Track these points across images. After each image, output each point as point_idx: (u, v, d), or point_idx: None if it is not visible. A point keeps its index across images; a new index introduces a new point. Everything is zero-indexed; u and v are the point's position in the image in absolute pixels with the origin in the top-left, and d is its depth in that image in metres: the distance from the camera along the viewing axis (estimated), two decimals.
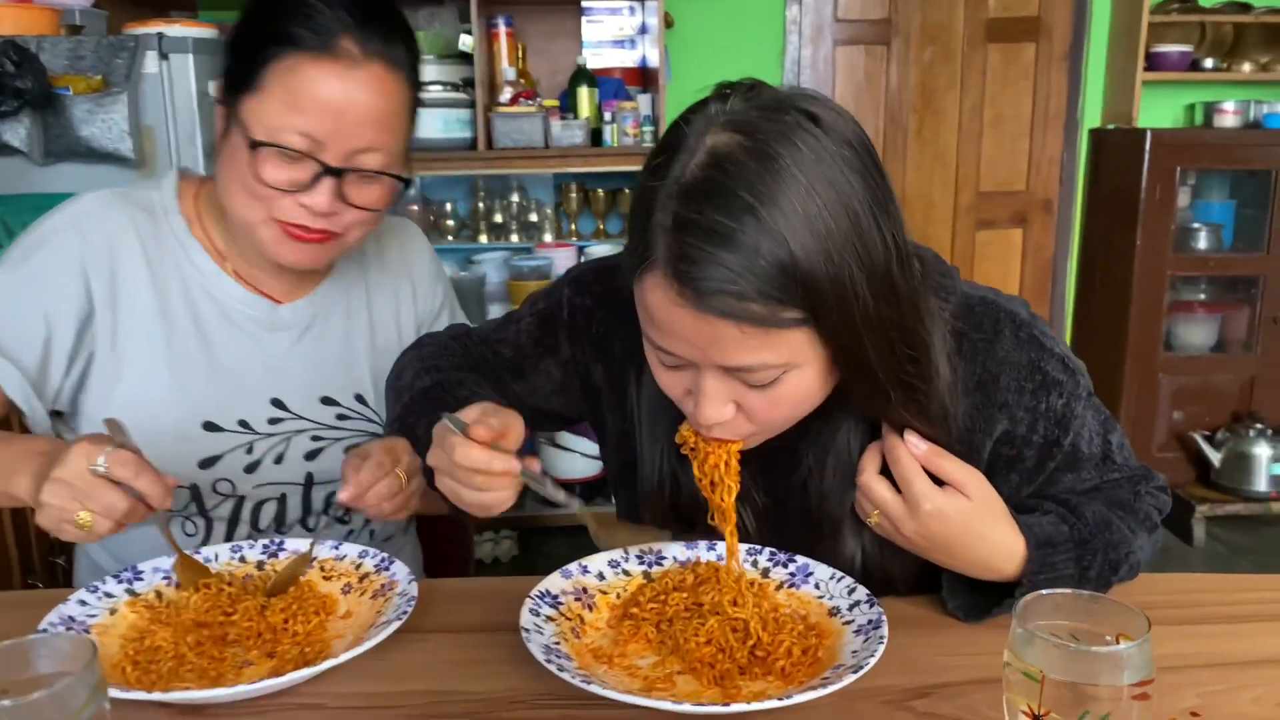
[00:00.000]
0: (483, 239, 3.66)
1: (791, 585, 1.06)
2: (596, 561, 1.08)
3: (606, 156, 3.42)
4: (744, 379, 0.89)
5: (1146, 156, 3.72)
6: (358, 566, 1.11)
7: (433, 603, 1.10)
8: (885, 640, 0.91)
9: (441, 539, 1.65)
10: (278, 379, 1.31)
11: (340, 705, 0.92)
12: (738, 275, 0.80)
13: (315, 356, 1.34)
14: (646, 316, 0.91)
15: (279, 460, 1.32)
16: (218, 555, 1.13)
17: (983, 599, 1.04)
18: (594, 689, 0.83)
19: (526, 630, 0.92)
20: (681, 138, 0.85)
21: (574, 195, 3.67)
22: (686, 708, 0.82)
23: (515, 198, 3.67)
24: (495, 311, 3.65)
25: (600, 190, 3.65)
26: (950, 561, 1.02)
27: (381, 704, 0.92)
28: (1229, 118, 3.85)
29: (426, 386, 1.15)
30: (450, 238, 3.66)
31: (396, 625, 0.96)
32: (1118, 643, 0.73)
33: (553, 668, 0.86)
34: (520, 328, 1.21)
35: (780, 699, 0.82)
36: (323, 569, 1.12)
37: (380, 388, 1.35)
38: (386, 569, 1.09)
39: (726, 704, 0.83)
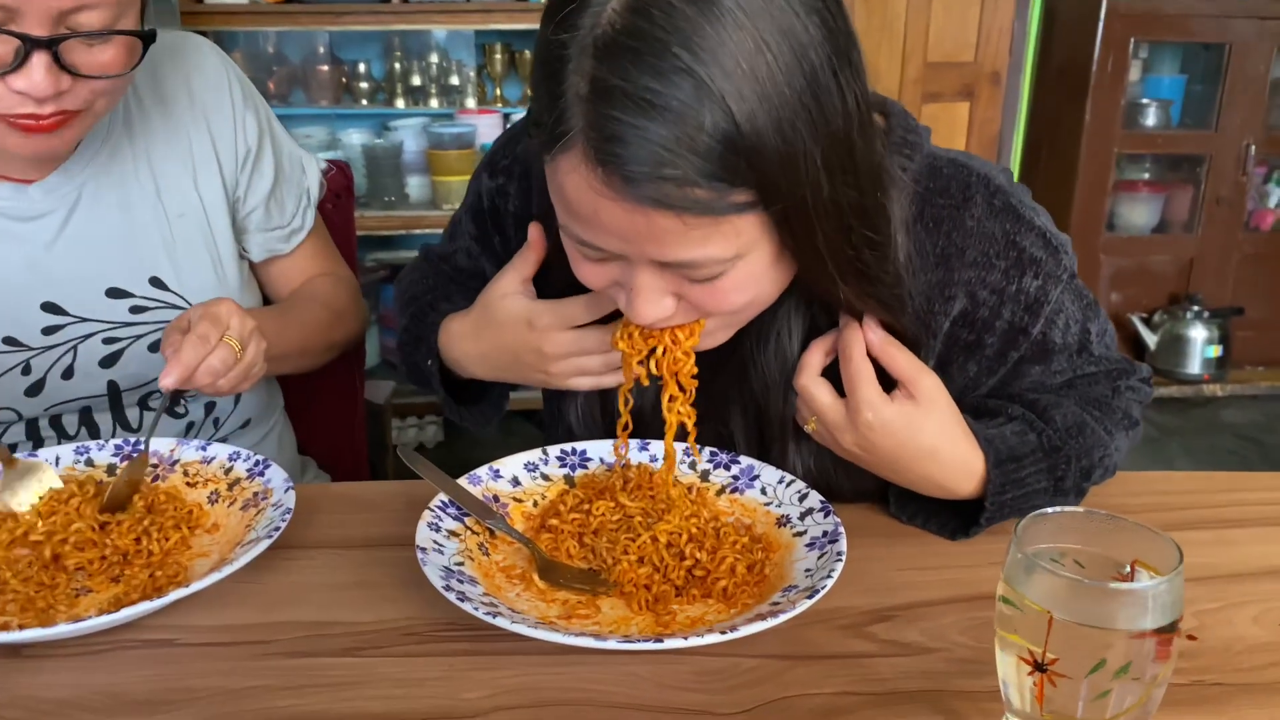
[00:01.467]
0: (399, 103, 3.38)
1: (735, 490, 0.92)
2: (510, 464, 0.93)
3: (535, 14, 3.15)
4: (685, 273, 0.74)
5: (1101, 26, 3.55)
6: (227, 471, 0.95)
7: (316, 511, 0.94)
8: (844, 558, 0.78)
9: (335, 420, 1.48)
10: (45, 278, 1.06)
11: (194, 641, 0.77)
12: (676, 154, 0.64)
13: (90, 241, 1.08)
14: (562, 203, 0.74)
15: (68, 374, 1.09)
16: (59, 458, 0.96)
17: (948, 515, 0.91)
18: (500, 623, 0.69)
19: (422, 549, 0.77)
20: None
21: (499, 56, 3.39)
22: (612, 644, 0.68)
23: (434, 58, 3.38)
24: (413, 185, 3.41)
25: (528, 52, 3.38)
26: (897, 479, 0.89)
27: (244, 639, 0.77)
28: None
29: (404, 324, 1.08)
30: (363, 101, 3.38)
31: (266, 545, 0.80)
32: (1132, 572, 0.60)
33: (452, 596, 0.71)
34: (463, 229, 1.09)
35: (723, 632, 0.68)
36: (187, 474, 0.95)
37: (184, 262, 1.13)
38: (260, 474, 0.92)
39: (659, 637, 0.69)
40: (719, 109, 0.63)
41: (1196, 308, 3.77)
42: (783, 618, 0.70)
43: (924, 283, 0.88)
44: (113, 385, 1.11)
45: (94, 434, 1.14)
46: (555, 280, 0.91)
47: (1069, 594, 0.57)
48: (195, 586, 0.75)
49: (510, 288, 0.94)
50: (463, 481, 0.88)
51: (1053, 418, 0.90)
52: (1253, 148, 3.72)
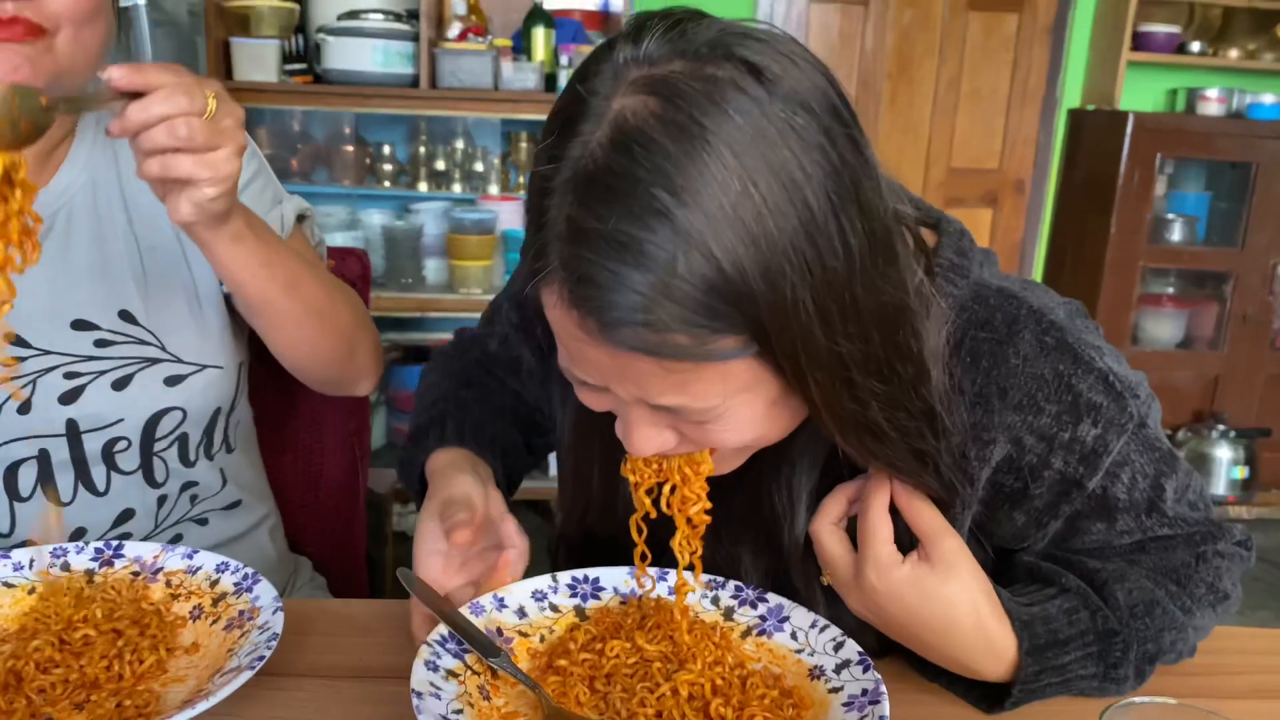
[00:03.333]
0: (422, 186, 3.38)
1: (762, 633, 0.84)
2: (517, 593, 0.85)
3: None
4: (676, 415, 0.68)
5: (1127, 141, 3.55)
6: (213, 583, 0.87)
7: (307, 632, 0.87)
8: None
9: (334, 508, 1.40)
10: (13, 309, 0.95)
11: None
12: (652, 300, 0.59)
13: (59, 270, 1.02)
14: (554, 333, 0.69)
15: (24, 409, 1.01)
16: (31, 562, 0.88)
17: (973, 683, 0.82)
18: None
19: (418, 694, 0.69)
20: (579, 101, 0.63)
21: (524, 145, 3.39)
22: None
23: (460, 144, 3.39)
24: (431, 267, 3.38)
25: None
26: (916, 649, 0.81)
27: None
28: (1212, 105, 3.69)
29: (421, 424, 1.02)
30: (386, 183, 3.38)
31: (248, 676, 0.72)
32: None
33: None
34: (503, 315, 1.04)
35: None
36: (170, 584, 0.88)
37: (155, 296, 1.07)
38: (249, 590, 0.85)
39: None
40: (698, 254, 0.58)
41: (1222, 427, 3.69)
42: None
43: (958, 424, 0.78)
44: (72, 425, 1.02)
45: (47, 478, 1.04)
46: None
47: None
48: None
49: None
50: (465, 611, 0.80)
51: (1114, 595, 0.80)
52: (1279, 267, 3.68)
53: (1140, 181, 3.60)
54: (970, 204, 4.06)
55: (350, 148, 3.35)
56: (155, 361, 1.05)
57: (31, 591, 0.86)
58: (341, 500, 1.43)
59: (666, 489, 0.76)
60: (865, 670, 0.77)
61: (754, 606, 0.86)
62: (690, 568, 0.80)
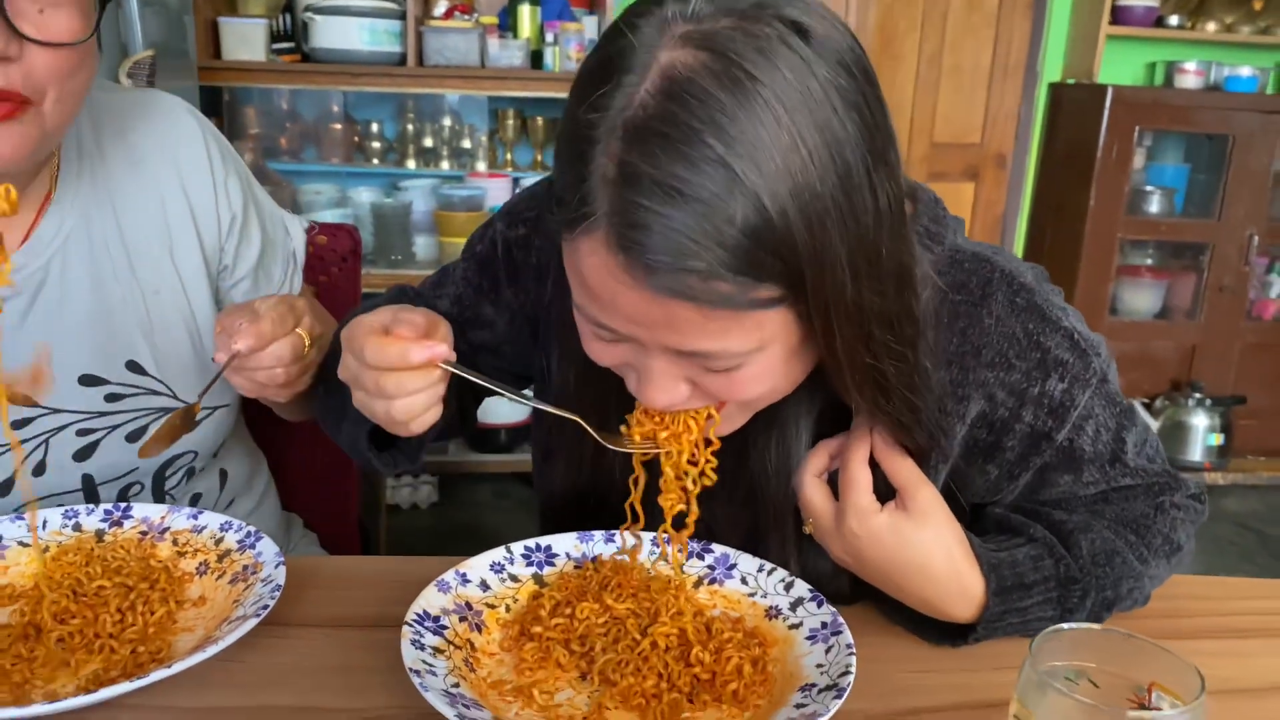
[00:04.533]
0: (410, 164, 3.41)
1: (713, 581, 0.90)
2: (477, 567, 0.88)
3: (547, 81, 3.19)
4: (702, 362, 0.72)
5: (1106, 114, 3.60)
6: (218, 541, 0.92)
7: (307, 586, 0.92)
8: (854, 652, 0.76)
9: (327, 478, 1.44)
10: (12, 366, 0.98)
11: None
12: (702, 246, 0.61)
13: (59, 323, 0.99)
14: (579, 284, 0.72)
15: (39, 470, 1.01)
16: (46, 522, 0.93)
17: (934, 622, 0.88)
18: None
19: (416, 673, 0.72)
20: (626, 51, 0.64)
21: (510, 122, 3.43)
22: None
23: (447, 121, 3.42)
24: (421, 244, 3.42)
25: (540, 118, 3.42)
26: (892, 593, 0.86)
27: None
28: (1190, 78, 3.74)
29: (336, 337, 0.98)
30: (375, 160, 3.41)
31: (253, 623, 0.78)
32: (1149, 695, 0.58)
33: None
34: (458, 275, 1.04)
35: None
36: (176, 542, 0.93)
37: (162, 344, 1.05)
38: (251, 547, 0.90)
39: None
40: (750, 203, 0.61)
41: (1198, 395, 3.76)
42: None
43: (937, 382, 0.84)
44: (87, 479, 1.03)
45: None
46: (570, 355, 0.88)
47: (1087, 718, 0.54)
48: (178, 667, 0.72)
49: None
50: (431, 589, 0.83)
51: (1078, 544, 0.86)
52: (1255, 238, 3.74)
53: (1119, 154, 3.65)
54: (952, 178, 4.11)
55: (338, 126, 3.38)
56: (167, 410, 1.06)
57: (45, 551, 0.91)
58: (338, 469, 1.47)
59: (682, 460, 0.81)
60: (820, 605, 0.83)
61: (701, 558, 0.91)
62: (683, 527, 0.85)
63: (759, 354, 0.71)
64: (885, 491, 0.83)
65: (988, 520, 0.92)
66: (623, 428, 0.83)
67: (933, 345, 0.82)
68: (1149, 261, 3.96)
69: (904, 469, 0.83)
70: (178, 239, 1.06)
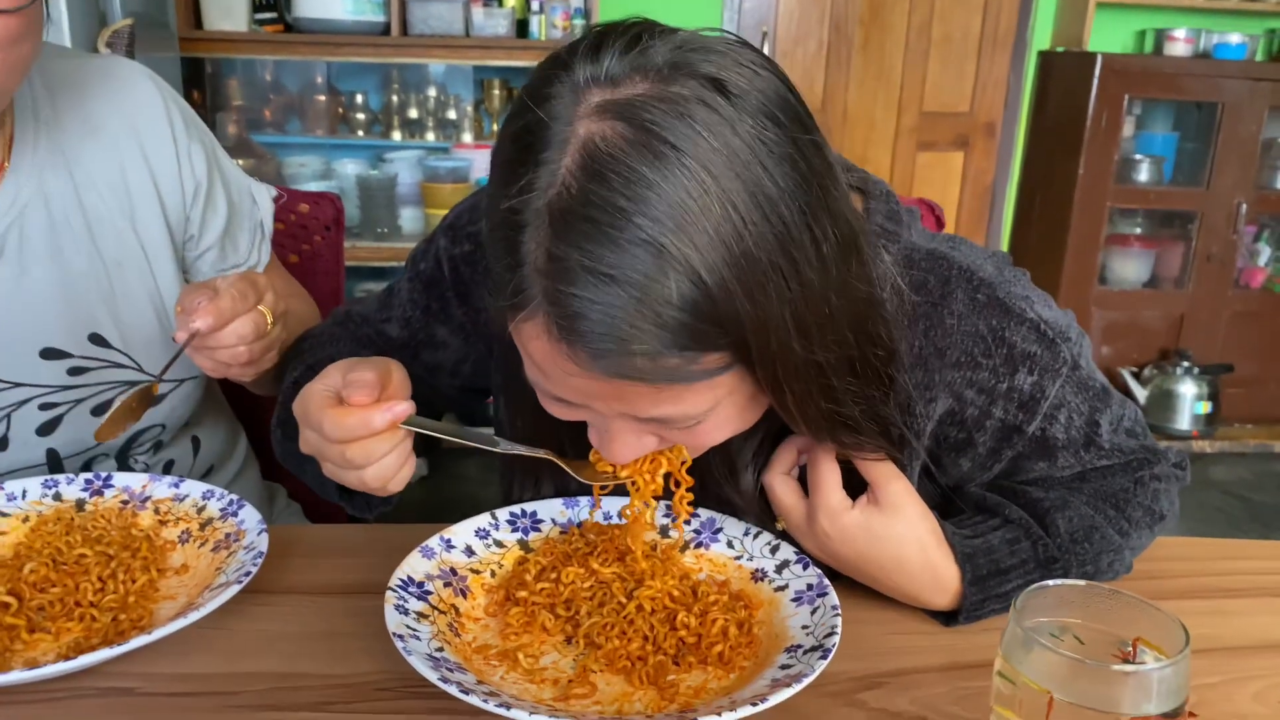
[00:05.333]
0: (395, 135, 3.38)
1: (699, 545, 0.90)
2: (461, 533, 0.88)
3: (533, 50, 3.16)
4: (661, 425, 0.71)
5: (1095, 82, 3.58)
6: (200, 510, 0.91)
7: (290, 554, 0.91)
8: (840, 612, 0.76)
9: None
10: None
11: (155, 690, 0.73)
12: (641, 330, 0.60)
13: (19, 297, 0.97)
14: (528, 359, 0.70)
15: (2, 445, 1.00)
16: (25, 491, 0.92)
17: None
18: (518, 715, 0.63)
19: (400, 637, 0.71)
20: (542, 127, 0.61)
21: (496, 92, 3.40)
22: None
23: (432, 92, 3.39)
24: (407, 216, 3.40)
25: None
26: (867, 584, 0.86)
27: (208, 689, 0.74)
28: (1179, 45, 3.72)
29: (296, 377, 0.95)
30: (359, 132, 3.38)
31: (235, 590, 0.77)
32: (1134, 650, 0.58)
33: (453, 689, 0.65)
34: (404, 297, 1.00)
35: (754, 703, 0.65)
36: (158, 511, 0.92)
37: (126, 316, 1.02)
38: (234, 514, 0.89)
39: (685, 715, 0.66)
40: (685, 278, 0.59)
41: (1186, 363, 3.77)
42: (806, 681, 0.67)
43: (901, 384, 0.81)
44: (52, 454, 1.02)
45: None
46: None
47: (1070, 674, 0.54)
48: (159, 633, 0.72)
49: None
50: (415, 555, 0.83)
51: (1055, 523, 0.85)
52: (1244, 206, 3.74)
53: (1108, 122, 3.64)
54: (942, 148, 4.09)
55: (322, 97, 3.35)
56: (134, 384, 1.04)
57: (25, 520, 0.90)
58: None
59: (647, 492, 0.81)
60: (805, 568, 0.83)
61: (687, 522, 0.91)
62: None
63: (717, 409, 0.70)
64: (856, 484, 0.83)
65: (965, 499, 0.91)
66: (592, 455, 0.81)
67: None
68: (1138, 231, 3.96)
69: (874, 463, 0.82)
70: (140, 208, 1.03)
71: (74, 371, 1.01)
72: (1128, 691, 0.53)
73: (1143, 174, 3.83)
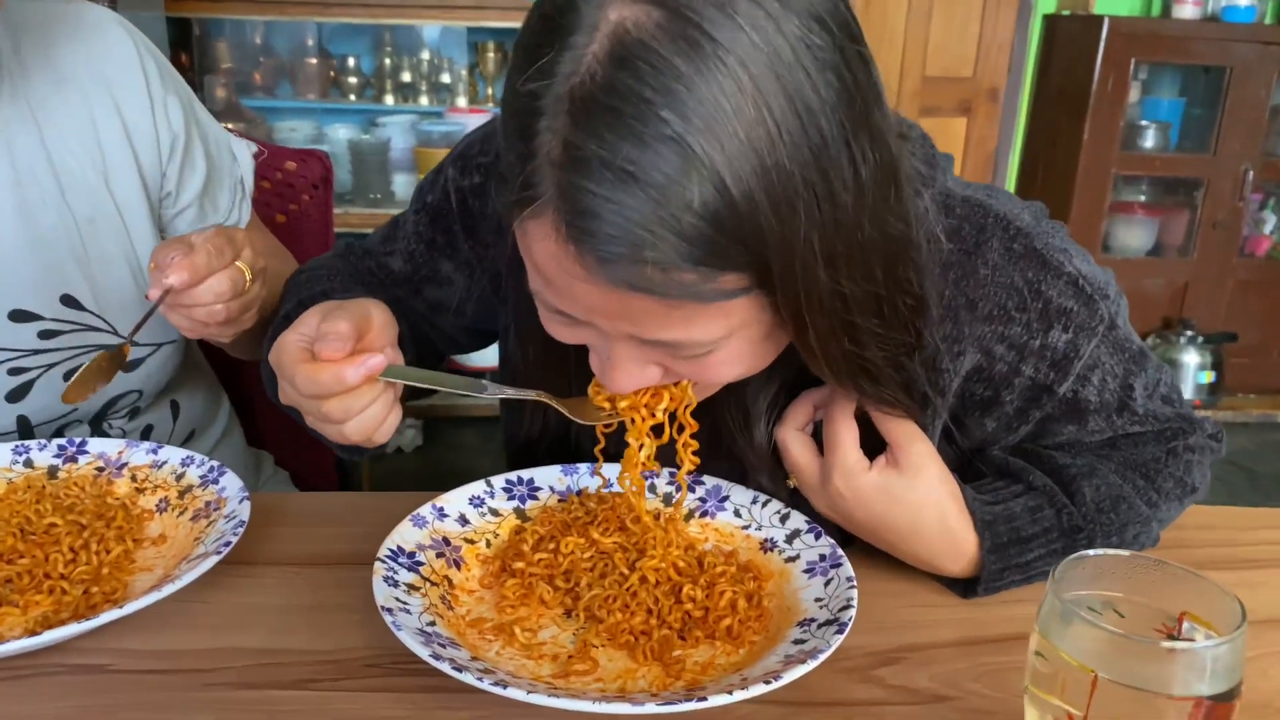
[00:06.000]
0: (388, 100, 3.31)
1: (704, 514, 0.85)
2: (455, 501, 0.83)
3: (528, 12, 3.08)
4: (669, 350, 0.66)
5: (1102, 45, 3.51)
6: (179, 477, 0.87)
7: (273, 524, 0.87)
8: (855, 584, 0.71)
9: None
10: None
11: (129, 668, 0.69)
12: (658, 236, 0.54)
13: None
14: (532, 266, 0.64)
15: None
16: None
17: None
18: (513, 694, 0.59)
19: (388, 610, 0.67)
20: (571, 8, 0.56)
21: (491, 55, 3.32)
22: (650, 709, 0.59)
23: (425, 55, 3.32)
24: (400, 182, 3.33)
25: None
26: (881, 548, 0.82)
27: (184, 666, 0.69)
28: (1188, 8, 3.65)
29: (287, 311, 0.91)
30: (351, 96, 3.31)
31: (214, 561, 0.73)
32: (1180, 625, 0.54)
33: (445, 666, 0.61)
34: (409, 229, 0.96)
35: (768, 681, 0.61)
36: (135, 478, 0.88)
37: (100, 277, 0.98)
38: (214, 482, 0.85)
39: (693, 693, 0.61)
40: (710, 185, 0.54)
41: (1190, 332, 3.73)
42: (822, 657, 0.63)
43: (928, 339, 0.76)
44: (23, 420, 0.98)
45: None
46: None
47: (1116, 651, 0.50)
48: (131, 607, 0.67)
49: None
50: (406, 524, 0.79)
51: (1081, 491, 0.81)
52: (1250, 173, 3.69)
53: (1114, 87, 3.57)
54: (945, 113, 4.02)
55: (313, 61, 3.27)
56: (108, 348, 0.97)
57: None
58: None
59: (644, 428, 0.76)
60: (817, 537, 0.78)
61: (692, 490, 0.86)
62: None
63: (729, 340, 0.65)
64: (873, 445, 0.78)
65: (987, 463, 0.87)
66: (591, 388, 0.76)
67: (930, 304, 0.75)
68: (1142, 198, 3.90)
69: (895, 422, 0.77)
70: (113, 164, 0.98)
71: (45, 335, 0.96)
72: (1178, 670, 0.49)
73: (1148, 140, 3.76)
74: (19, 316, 0.95)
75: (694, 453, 0.78)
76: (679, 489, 0.84)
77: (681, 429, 0.77)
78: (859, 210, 0.59)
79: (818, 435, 0.81)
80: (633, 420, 0.75)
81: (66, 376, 0.97)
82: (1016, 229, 0.78)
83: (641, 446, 0.76)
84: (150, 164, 1.01)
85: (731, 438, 0.83)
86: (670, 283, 0.57)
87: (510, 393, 0.76)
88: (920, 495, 0.77)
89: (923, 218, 0.72)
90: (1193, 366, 3.71)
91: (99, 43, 0.98)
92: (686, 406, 0.75)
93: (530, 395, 0.76)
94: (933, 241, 0.74)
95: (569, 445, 0.93)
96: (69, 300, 0.97)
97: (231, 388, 1.28)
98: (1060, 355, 0.79)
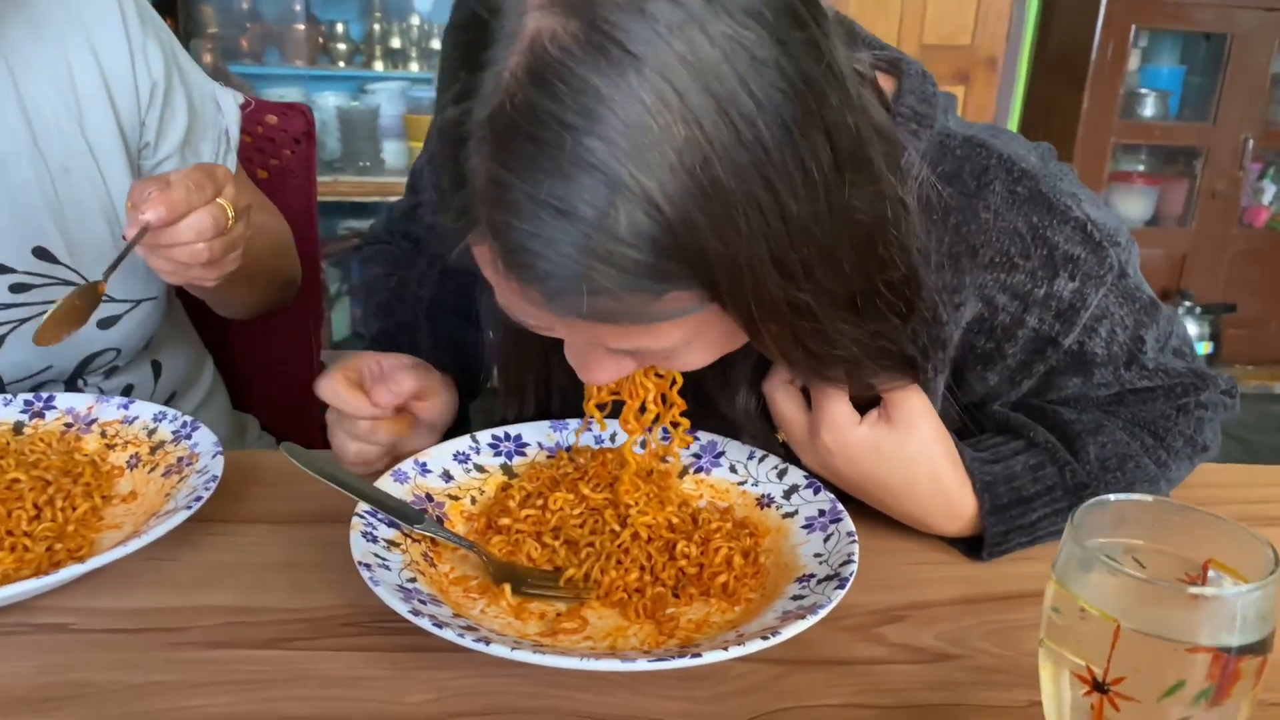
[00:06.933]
0: (378, 66, 3.26)
1: (699, 470, 0.82)
2: (438, 456, 0.80)
3: None
4: (635, 354, 0.64)
5: (1101, 12, 3.46)
6: (150, 432, 0.83)
7: (250, 481, 0.83)
8: (856, 539, 0.68)
9: (288, 384, 1.34)
10: None
11: (93, 627, 0.66)
12: (594, 269, 0.51)
13: None
14: (488, 280, 0.60)
15: None
16: None
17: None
18: (497, 651, 0.56)
19: (365, 566, 0.63)
20: (491, 14, 0.52)
21: None
22: (642, 665, 0.56)
23: (415, 20, 3.26)
24: (390, 149, 3.28)
25: None
26: (872, 504, 0.78)
27: (152, 625, 0.66)
28: None
29: (384, 328, 0.98)
30: (340, 63, 3.25)
31: (184, 516, 0.69)
32: (1204, 573, 0.50)
33: (426, 623, 0.58)
34: (423, 179, 0.94)
35: (765, 637, 0.58)
36: (105, 434, 0.84)
37: (75, 229, 0.94)
38: (187, 437, 0.81)
39: (686, 649, 0.59)
40: (640, 212, 0.50)
41: (1188, 303, 3.70)
42: (823, 612, 0.60)
43: (929, 287, 0.72)
44: None
45: None
46: None
47: (1139, 599, 0.46)
48: (94, 562, 0.64)
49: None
50: (387, 479, 0.75)
51: (1085, 449, 0.77)
52: (1250, 142, 3.65)
53: (1114, 54, 3.52)
54: (942, 82, 3.88)
55: (301, 26, 3.21)
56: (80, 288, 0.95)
57: None
58: (296, 363, 1.38)
59: (634, 409, 0.75)
60: (816, 492, 0.75)
61: (686, 447, 0.83)
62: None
63: (694, 342, 0.62)
64: (868, 400, 0.74)
65: (987, 420, 0.83)
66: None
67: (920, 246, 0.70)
68: (1141, 168, 3.87)
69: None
70: (88, 110, 0.94)
71: (16, 288, 0.93)
72: (1205, 618, 0.46)
73: (1148, 109, 3.72)
74: None
75: (683, 413, 0.76)
76: (673, 451, 0.80)
77: (671, 406, 0.75)
78: (814, 213, 0.54)
79: (807, 392, 0.77)
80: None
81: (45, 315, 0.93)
82: (1021, 171, 0.73)
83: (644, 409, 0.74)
84: (128, 111, 0.97)
85: (715, 396, 0.80)
86: (617, 309, 0.54)
87: (445, 536, 0.72)
88: (913, 452, 0.73)
89: (911, 172, 0.68)
90: (1191, 337, 3.68)
91: None
92: (673, 385, 0.74)
93: (465, 544, 0.72)
94: (928, 190, 0.70)
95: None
96: (42, 253, 0.93)
97: (216, 349, 1.25)
98: (1066, 305, 0.75)
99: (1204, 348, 3.70)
